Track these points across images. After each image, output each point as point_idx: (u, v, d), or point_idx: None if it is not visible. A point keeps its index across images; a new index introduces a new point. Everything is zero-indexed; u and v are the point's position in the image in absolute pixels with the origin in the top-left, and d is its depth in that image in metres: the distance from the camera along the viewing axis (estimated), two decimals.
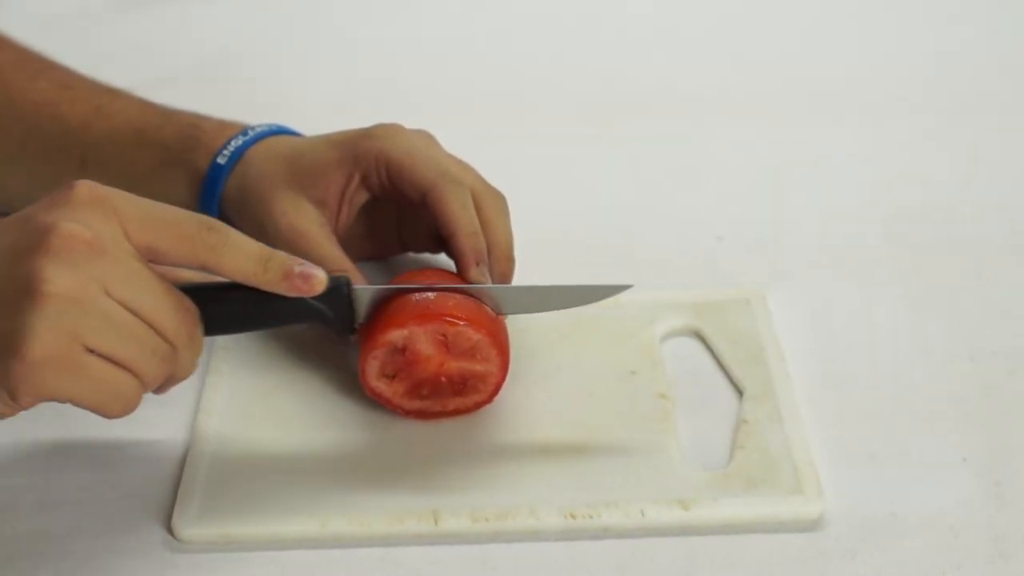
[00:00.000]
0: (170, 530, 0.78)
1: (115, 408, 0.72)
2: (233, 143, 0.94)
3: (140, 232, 0.72)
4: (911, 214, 1.05)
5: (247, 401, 0.85)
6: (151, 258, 0.73)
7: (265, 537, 0.77)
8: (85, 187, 0.72)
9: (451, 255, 0.87)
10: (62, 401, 0.70)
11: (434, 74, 1.27)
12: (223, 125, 0.96)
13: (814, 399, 0.86)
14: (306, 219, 0.90)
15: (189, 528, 0.77)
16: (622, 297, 0.93)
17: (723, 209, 1.06)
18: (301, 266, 0.77)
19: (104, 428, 0.84)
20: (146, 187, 0.96)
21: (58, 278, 0.68)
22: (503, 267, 0.88)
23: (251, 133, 0.95)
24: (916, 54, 1.29)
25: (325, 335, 0.89)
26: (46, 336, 0.68)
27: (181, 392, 0.86)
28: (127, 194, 0.73)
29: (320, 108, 1.16)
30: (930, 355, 0.90)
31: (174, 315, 0.73)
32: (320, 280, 0.77)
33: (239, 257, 0.75)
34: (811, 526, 0.77)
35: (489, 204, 0.89)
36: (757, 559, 0.76)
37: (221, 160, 0.93)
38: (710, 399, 0.86)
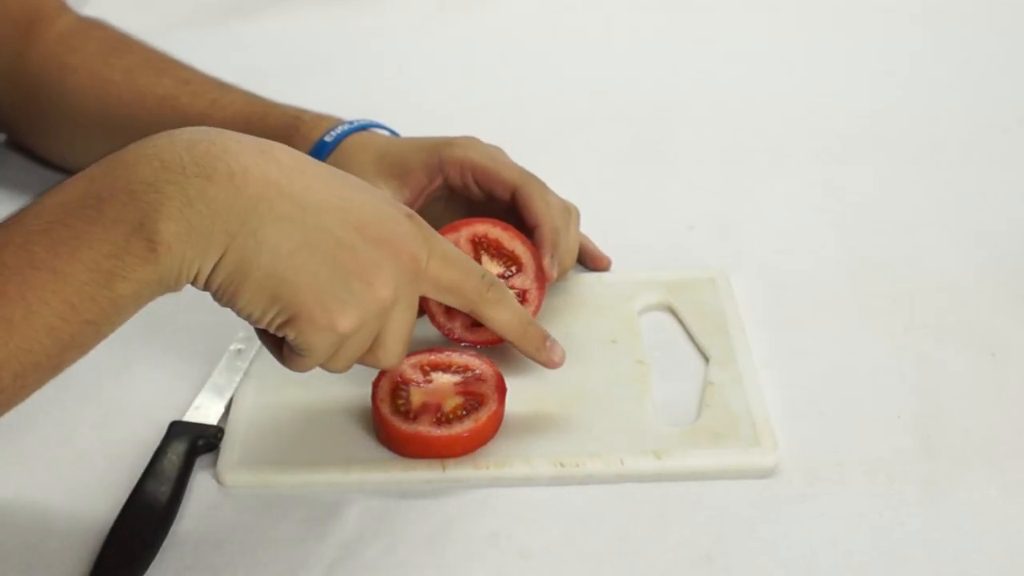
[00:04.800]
0: (215, 476, 0.77)
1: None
2: (340, 127, 0.94)
3: (439, 270, 0.72)
4: (855, 205, 1.05)
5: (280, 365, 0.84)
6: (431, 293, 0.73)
7: (296, 482, 0.77)
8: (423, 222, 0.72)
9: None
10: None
11: (442, 90, 1.26)
12: (321, 116, 0.96)
13: (770, 364, 0.85)
14: None
15: (231, 474, 0.77)
16: (606, 276, 0.93)
17: (693, 203, 1.06)
18: (552, 341, 0.80)
19: (162, 391, 0.84)
20: None
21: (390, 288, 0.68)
22: (567, 261, 0.89)
23: (355, 123, 0.94)
24: (867, 62, 1.29)
25: None
26: (355, 319, 0.67)
27: None
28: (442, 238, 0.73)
29: None
30: (870, 327, 0.90)
31: (401, 355, 0.72)
32: (561, 356, 0.80)
33: (508, 315, 0.76)
34: (767, 473, 0.77)
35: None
36: (721, 502, 0.75)
37: (328, 139, 0.93)
38: (681, 365, 0.86)
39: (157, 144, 0.64)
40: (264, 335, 0.71)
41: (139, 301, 0.64)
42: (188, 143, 0.64)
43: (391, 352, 0.71)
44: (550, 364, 0.80)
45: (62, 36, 1.03)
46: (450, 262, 0.73)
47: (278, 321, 0.67)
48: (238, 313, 0.67)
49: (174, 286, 0.64)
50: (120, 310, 0.63)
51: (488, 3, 1.42)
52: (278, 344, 0.70)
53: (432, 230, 0.72)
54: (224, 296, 0.66)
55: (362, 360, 0.72)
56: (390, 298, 0.68)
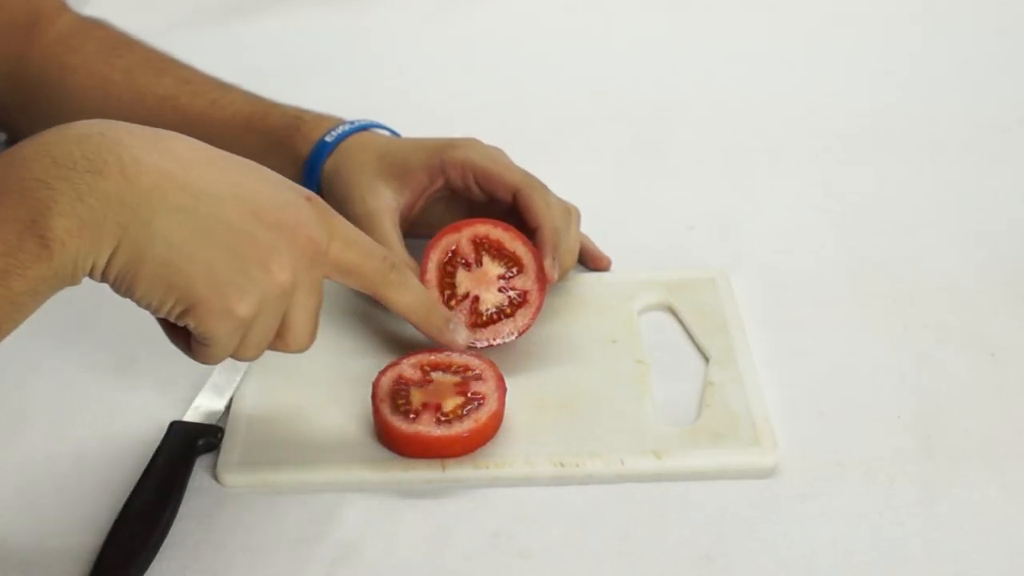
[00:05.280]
0: (215, 475, 0.77)
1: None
2: (341, 127, 0.94)
3: (340, 252, 0.72)
4: (855, 205, 1.05)
5: (280, 364, 0.84)
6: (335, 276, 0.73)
7: (296, 481, 0.77)
8: (324, 204, 0.72)
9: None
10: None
11: (442, 90, 1.26)
12: (322, 116, 0.97)
13: (770, 364, 0.85)
14: (380, 204, 0.90)
15: (231, 474, 0.77)
16: (606, 276, 0.93)
17: (693, 203, 1.06)
18: (456, 323, 0.81)
19: (162, 391, 0.84)
20: None
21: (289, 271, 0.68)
22: (567, 262, 0.89)
23: (356, 123, 0.95)
24: (867, 62, 1.29)
25: (354, 308, 0.89)
26: (253, 304, 0.67)
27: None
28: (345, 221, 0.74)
29: None
30: (870, 327, 0.90)
31: (310, 338, 0.73)
32: (466, 338, 0.81)
33: (411, 297, 0.77)
34: (767, 473, 0.77)
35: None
36: (721, 502, 0.75)
37: (329, 138, 0.93)
38: (681, 364, 0.86)
39: (49, 140, 0.64)
40: (171, 330, 0.71)
41: (37, 298, 0.64)
42: (79, 138, 0.64)
43: (299, 335, 0.72)
44: (454, 346, 0.80)
45: (62, 36, 1.03)
46: (351, 244, 0.73)
47: (177, 310, 0.67)
48: (137, 303, 0.67)
49: (71, 280, 0.64)
50: (18, 307, 0.63)
51: (488, 3, 1.42)
52: (185, 338, 0.70)
53: (334, 212, 0.72)
54: (121, 287, 0.66)
55: (273, 346, 0.72)
56: (289, 281, 0.68)
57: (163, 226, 0.64)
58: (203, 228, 0.65)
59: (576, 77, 1.28)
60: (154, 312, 0.67)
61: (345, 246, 0.72)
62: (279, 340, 0.72)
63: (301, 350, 0.73)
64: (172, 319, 0.68)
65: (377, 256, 0.75)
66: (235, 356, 0.71)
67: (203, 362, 0.71)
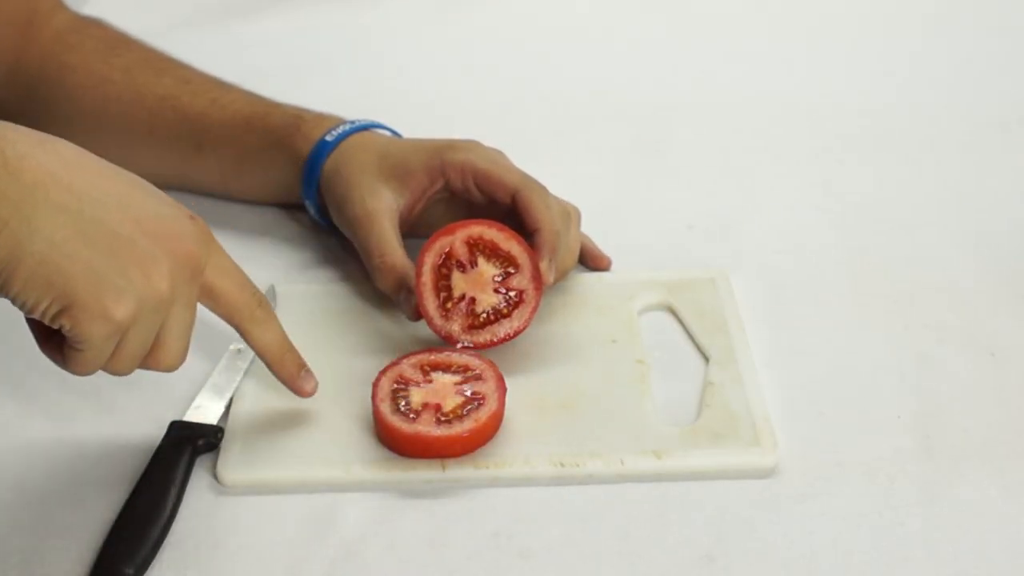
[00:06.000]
0: (215, 475, 0.77)
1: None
2: (342, 127, 0.94)
3: (215, 277, 0.72)
4: (855, 205, 1.04)
5: None
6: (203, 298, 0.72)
7: (296, 481, 0.77)
8: (206, 226, 0.71)
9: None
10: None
11: (442, 90, 1.26)
12: (322, 115, 0.97)
13: (770, 364, 0.85)
14: (380, 205, 0.90)
15: (231, 474, 0.77)
16: (606, 276, 0.93)
17: (693, 203, 1.06)
18: (307, 372, 0.79)
19: (162, 391, 0.83)
20: (253, 165, 0.97)
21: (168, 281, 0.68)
22: (567, 263, 0.90)
23: (356, 123, 0.95)
24: (867, 62, 1.29)
25: (354, 307, 0.89)
26: (131, 308, 0.66)
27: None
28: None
29: None
30: (870, 327, 0.90)
31: (181, 356, 0.72)
32: (314, 387, 0.79)
33: (271, 336, 0.76)
34: (767, 473, 0.77)
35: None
36: (721, 502, 0.75)
37: (329, 138, 0.93)
38: (681, 364, 0.86)
39: None
40: (43, 339, 0.70)
41: None
42: None
43: (172, 352, 0.71)
44: (301, 393, 0.79)
45: (59, 34, 1.03)
46: (226, 272, 0.73)
47: (53, 310, 0.65)
48: (13, 301, 0.66)
49: None
50: None
51: (488, 3, 1.42)
52: (58, 347, 0.69)
53: (213, 237, 0.72)
54: None
55: (144, 363, 0.70)
56: (167, 291, 0.68)
57: (44, 224, 0.64)
58: (85, 230, 0.65)
59: (576, 77, 1.28)
60: (29, 312, 0.66)
61: (221, 272, 0.72)
62: (151, 357, 0.70)
63: (172, 368, 0.72)
64: (47, 320, 0.66)
65: (248, 289, 0.74)
66: (108, 368, 0.69)
67: (75, 371, 0.69)
